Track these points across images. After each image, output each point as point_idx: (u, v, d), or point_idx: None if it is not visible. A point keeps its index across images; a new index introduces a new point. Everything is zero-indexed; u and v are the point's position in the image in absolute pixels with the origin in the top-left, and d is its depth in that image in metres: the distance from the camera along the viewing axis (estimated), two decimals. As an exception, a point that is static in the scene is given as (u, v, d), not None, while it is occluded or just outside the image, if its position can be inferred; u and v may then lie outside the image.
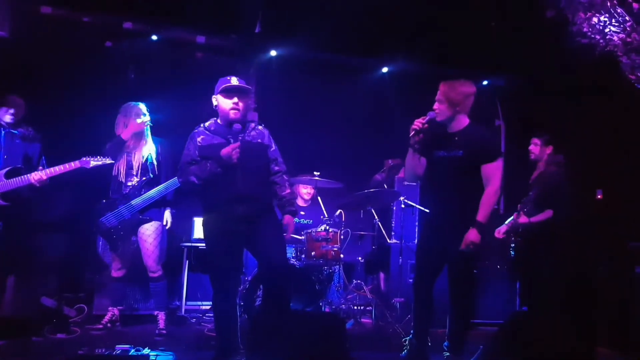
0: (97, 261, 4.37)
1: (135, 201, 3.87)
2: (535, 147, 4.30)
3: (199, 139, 3.11)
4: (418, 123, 3.13)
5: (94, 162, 3.72)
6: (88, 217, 4.47)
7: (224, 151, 2.99)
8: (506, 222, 4.39)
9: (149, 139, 4.03)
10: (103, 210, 3.90)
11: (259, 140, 3.19)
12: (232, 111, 3.08)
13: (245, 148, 3.03)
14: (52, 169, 3.68)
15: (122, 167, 3.93)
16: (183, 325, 4.40)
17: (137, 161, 3.94)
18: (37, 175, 3.63)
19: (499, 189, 3.11)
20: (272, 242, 3.09)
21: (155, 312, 4.04)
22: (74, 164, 3.69)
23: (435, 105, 3.18)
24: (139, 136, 3.98)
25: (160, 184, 3.94)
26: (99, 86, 4.86)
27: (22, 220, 3.76)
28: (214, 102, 3.17)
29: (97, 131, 4.73)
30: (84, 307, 4.22)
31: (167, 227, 4.03)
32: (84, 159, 3.70)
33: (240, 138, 3.05)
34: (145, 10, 4.94)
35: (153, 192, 3.89)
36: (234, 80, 3.09)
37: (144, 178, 3.94)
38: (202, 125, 3.19)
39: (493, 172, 3.09)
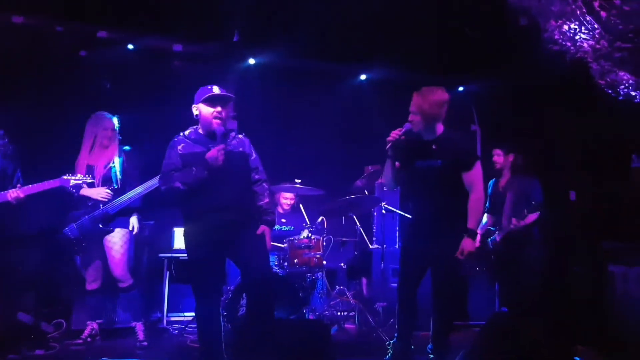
0: (76, 275, 4.28)
1: (98, 212, 3.79)
2: (498, 157, 4.47)
3: (179, 147, 3.08)
4: (394, 134, 3.17)
5: (74, 180, 3.66)
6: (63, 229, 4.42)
7: (210, 154, 2.97)
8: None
9: (115, 149, 3.95)
10: (67, 222, 3.83)
11: (240, 149, 3.18)
12: (215, 120, 3.07)
13: (227, 157, 3.02)
14: (30, 187, 3.60)
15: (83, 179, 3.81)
16: (165, 337, 4.33)
17: (98, 173, 3.86)
18: (15, 193, 3.56)
19: (483, 193, 3.19)
20: (255, 250, 3.08)
21: (133, 324, 3.96)
22: (53, 182, 3.63)
23: (411, 117, 3.22)
24: (104, 148, 3.91)
25: (125, 194, 3.86)
26: (75, 96, 4.78)
27: (-4, 235, 3.68)
28: (195, 112, 3.14)
29: (73, 142, 4.66)
30: (62, 322, 4.13)
31: (134, 233, 3.94)
32: (64, 177, 3.65)
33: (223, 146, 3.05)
34: (120, 18, 4.88)
35: (116, 201, 3.82)
36: (216, 89, 3.08)
37: (108, 189, 3.85)
38: (181, 134, 3.16)
39: (474, 179, 3.15)
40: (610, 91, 4.00)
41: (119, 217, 3.88)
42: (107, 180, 3.87)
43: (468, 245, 3.10)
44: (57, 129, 4.70)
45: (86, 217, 3.79)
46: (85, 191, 3.79)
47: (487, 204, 4.47)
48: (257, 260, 3.08)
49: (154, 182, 3.80)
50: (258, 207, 3.18)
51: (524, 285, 4.20)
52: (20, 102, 4.52)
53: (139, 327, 3.92)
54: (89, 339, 3.87)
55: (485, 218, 4.53)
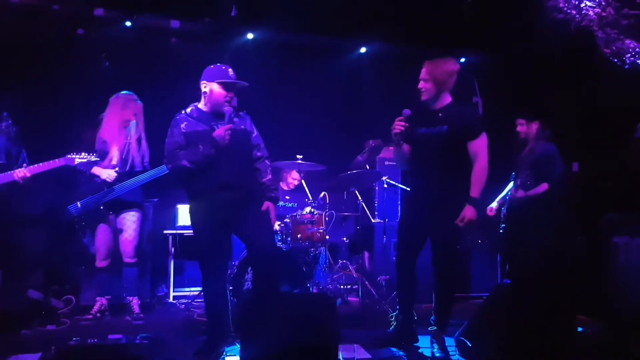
0: (83, 252, 4.34)
1: (104, 192, 3.83)
2: (522, 127, 4.32)
3: (182, 125, 3.09)
4: (398, 125, 3.16)
5: (78, 159, 3.69)
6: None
7: (217, 133, 2.99)
8: (497, 199, 4.48)
9: (133, 130, 3.97)
10: (76, 199, 3.87)
11: (242, 127, 3.19)
12: (225, 103, 3.08)
13: (231, 135, 3.03)
14: (35, 166, 3.63)
15: (101, 155, 3.87)
16: (172, 311, 4.42)
17: (115, 155, 3.89)
18: (21, 172, 3.60)
19: (487, 164, 3.17)
20: (259, 226, 3.12)
21: (130, 298, 4.06)
22: (58, 161, 3.65)
23: (421, 84, 3.22)
24: (123, 127, 3.94)
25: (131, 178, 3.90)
26: (73, 75, 4.78)
27: (4, 215, 3.72)
28: (204, 89, 3.11)
29: (73, 121, 4.67)
30: (71, 299, 4.20)
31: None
32: (69, 156, 3.67)
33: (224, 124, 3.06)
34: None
35: (128, 182, 3.86)
36: (231, 72, 3.10)
37: (115, 170, 3.87)
38: (183, 111, 3.16)
39: (479, 148, 3.15)
40: (615, 60, 3.94)
41: (135, 200, 3.95)
42: (124, 163, 3.90)
43: (469, 212, 3.10)
44: (57, 107, 4.70)
45: (90, 197, 3.84)
46: (96, 170, 3.84)
47: (513, 174, 4.41)
48: (262, 235, 3.12)
49: (157, 171, 3.85)
50: (261, 184, 3.21)
51: (524, 257, 4.21)
52: (19, 83, 4.52)
53: (134, 301, 4.04)
54: (98, 314, 3.96)
55: (508, 188, 4.47)
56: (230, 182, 3.05)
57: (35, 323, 3.68)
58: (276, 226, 4.63)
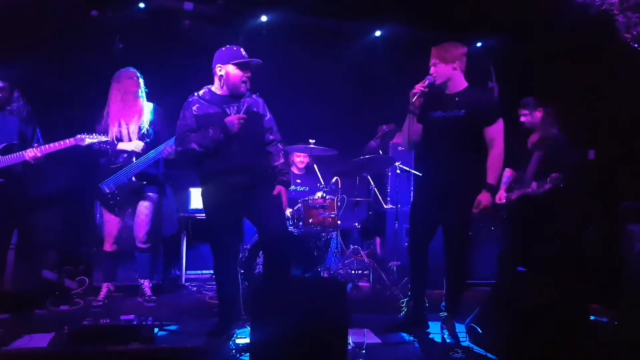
0: (96, 233, 4.39)
1: (131, 165, 3.84)
2: (525, 117, 4.20)
3: (194, 108, 3.08)
4: (419, 87, 3.11)
5: (89, 139, 3.70)
6: (85, 190, 4.49)
7: (229, 119, 2.99)
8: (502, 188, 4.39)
9: (144, 106, 3.96)
10: (103, 177, 3.88)
11: (255, 110, 3.17)
12: (243, 84, 3.08)
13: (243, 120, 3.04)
14: (46, 146, 3.66)
15: (116, 135, 3.86)
16: (184, 294, 4.46)
17: (133, 131, 3.88)
18: (32, 152, 3.61)
19: (503, 150, 3.12)
20: (271, 209, 3.11)
21: (141, 281, 4.08)
22: (68, 142, 3.67)
23: (432, 70, 3.17)
24: (132, 102, 3.90)
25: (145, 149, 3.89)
26: (87, 56, 4.77)
27: (18, 196, 3.74)
28: (220, 72, 3.09)
29: (87, 102, 4.67)
30: (85, 279, 4.25)
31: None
32: (79, 136, 3.68)
33: (236, 107, 3.07)
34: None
35: (150, 154, 3.85)
36: (244, 52, 3.09)
37: (147, 140, 3.88)
38: (195, 94, 3.15)
39: (495, 134, 3.11)
40: (636, 45, 3.83)
41: (153, 186, 3.96)
42: (141, 139, 3.89)
43: (485, 199, 3.07)
44: (70, 89, 4.71)
45: (120, 171, 3.84)
46: (123, 145, 3.84)
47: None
48: (273, 219, 3.11)
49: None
50: (273, 168, 3.20)
51: (543, 245, 4.13)
52: (33, 63, 4.51)
53: (145, 284, 4.06)
54: (106, 301, 3.93)
55: (507, 173, 4.35)
56: (241, 165, 3.05)
57: (49, 303, 3.72)
58: (287, 212, 4.64)
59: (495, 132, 3.11)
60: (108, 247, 3.98)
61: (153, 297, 4.00)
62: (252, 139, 3.12)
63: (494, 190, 3.10)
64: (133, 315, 3.13)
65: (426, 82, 3.13)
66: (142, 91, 3.96)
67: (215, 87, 3.15)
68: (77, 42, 4.82)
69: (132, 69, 3.97)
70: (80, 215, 4.60)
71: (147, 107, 3.97)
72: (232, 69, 3.06)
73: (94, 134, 3.72)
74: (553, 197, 3.99)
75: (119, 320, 3.01)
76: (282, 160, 3.23)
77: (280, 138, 3.27)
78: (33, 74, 4.28)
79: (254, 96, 3.22)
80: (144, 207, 3.95)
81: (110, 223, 3.94)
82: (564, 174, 3.90)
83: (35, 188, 4.10)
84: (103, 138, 3.74)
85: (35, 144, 3.72)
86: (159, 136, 3.94)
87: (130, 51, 5.00)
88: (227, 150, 3.02)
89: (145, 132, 3.90)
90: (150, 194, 3.97)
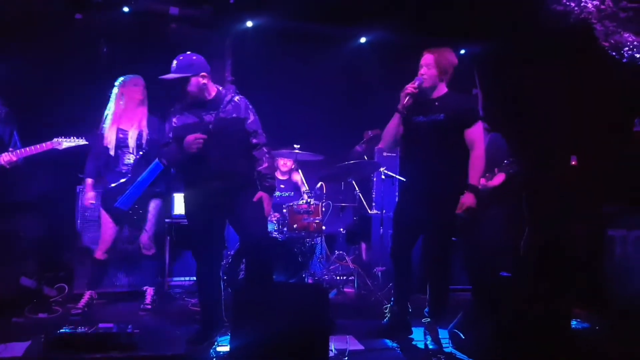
0: (76, 240, 4.32)
1: (143, 177, 3.78)
2: None
3: (174, 119, 3.10)
4: (410, 87, 3.13)
5: (66, 143, 3.66)
6: (64, 196, 4.43)
7: (187, 140, 2.96)
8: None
9: (145, 115, 3.89)
10: (114, 196, 3.77)
11: (234, 115, 3.12)
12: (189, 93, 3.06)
13: (221, 123, 3.02)
14: (22, 150, 3.60)
15: (113, 142, 3.78)
16: (167, 300, 4.40)
17: (132, 137, 3.80)
18: (7, 157, 3.55)
19: (484, 152, 3.15)
20: (252, 215, 3.09)
21: (145, 287, 4.01)
22: (45, 145, 3.62)
23: (423, 71, 3.19)
24: (135, 109, 3.85)
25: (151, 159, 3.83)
26: (70, 60, 4.72)
27: (-5, 200, 3.68)
28: (202, 80, 3.05)
29: (69, 106, 4.63)
30: (64, 287, 4.17)
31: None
32: (56, 140, 3.64)
33: (214, 115, 3.04)
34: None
35: (155, 164, 3.78)
36: (173, 64, 3.07)
37: (140, 153, 3.83)
38: (177, 104, 3.15)
39: (476, 136, 3.14)
40: (614, 53, 3.90)
41: (159, 184, 3.89)
42: (139, 147, 3.82)
43: (469, 200, 3.07)
44: (53, 92, 4.65)
45: (132, 187, 3.75)
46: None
47: None
48: (254, 225, 3.09)
49: None
50: (257, 172, 3.15)
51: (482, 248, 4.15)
52: (15, 66, 4.45)
53: (149, 291, 3.98)
54: (86, 308, 3.83)
55: None
56: (221, 170, 3.03)
57: (26, 310, 3.65)
58: (272, 217, 4.61)
59: (475, 134, 3.13)
60: (99, 254, 3.88)
61: (148, 307, 3.91)
62: (232, 144, 3.08)
63: (476, 191, 3.11)
64: (112, 324, 3.07)
65: (416, 83, 3.15)
66: (145, 100, 3.91)
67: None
68: (61, 45, 4.76)
69: (138, 77, 3.93)
70: (61, 220, 4.52)
71: (146, 117, 3.90)
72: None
73: (72, 137, 3.67)
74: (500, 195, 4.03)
75: (97, 328, 2.95)
76: (265, 165, 3.14)
77: (266, 141, 3.19)
78: (14, 75, 4.22)
79: (236, 98, 3.16)
80: (150, 210, 3.88)
81: (107, 231, 3.85)
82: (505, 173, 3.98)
83: (13, 191, 4.02)
84: (81, 142, 3.70)
85: (11, 148, 3.65)
86: (154, 146, 3.83)
87: (114, 55, 4.96)
88: (207, 156, 3.00)
89: (144, 141, 3.83)
90: (153, 199, 3.90)
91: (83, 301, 3.86)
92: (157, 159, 3.74)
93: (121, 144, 3.80)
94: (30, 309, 3.68)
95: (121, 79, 3.91)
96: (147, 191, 3.83)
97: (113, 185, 3.83)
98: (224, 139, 3.02)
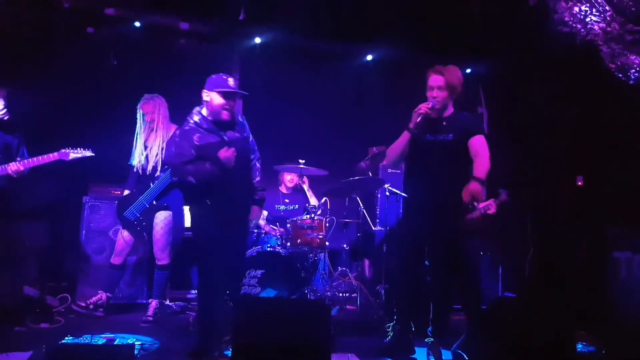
0: (80, 251, 4.34)
1: (151, 189, 3.93)
2: None
3: (195, 137, 3.09)
4: (424, 108, 3.14)
5: (73, 154, 3.71)
6: (69, 206, 4.46)
7: (223, 154, 3.03)
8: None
9: (161, 130, 3.98)
10: (125, 204, 3.98)
11: (245, 135, 3.28)
12: (224, 111, 3.13)
13: (238, 144, 3.16)
14: (29, 160, 3.64)
15: (137, 160, 3.98)
16: (167, 314, 4.38)
17: (153, 156, 3.94)
18: (15, 166, 3.59)
19: (489, 159, 3.12)
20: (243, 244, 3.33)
21: (150, 300, 4.04)
22: (52, 156, 3.67)
23: (435, 93, 3.19)
24: (155, 126, 3.97)
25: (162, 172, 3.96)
26: (81, 73, 4.78)
27: (1, 209, 3.69)
28: (205, 97, 3.14)
29: (79, 119, 4.68)
30: (67, 297, 4.17)
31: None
32: (63, 150, 3.70)
33: (231, 136, 3.16)
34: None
35: (164, 177, 3.90)
36: (231, 82, 3.15)
37: (156, 166, 3.95)
38: (191, 121, 3.15)
39: (480, 145, 3.14)
40: (620, 75, 3.92)
41: (170, 195, 3.98)
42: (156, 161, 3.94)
43: (473, 186, 2.99)
44: (64, 105, 4.71)
45: (140, 197, 3.95)
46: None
47: None
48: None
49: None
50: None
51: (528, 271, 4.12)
52: (27, 79, 4.53)
53: (153, 303, 3.99)
54: (91, 306, 3.90)
55: None
56: (243, 186, 3.23)
57: (28, 320, 3.65)
58: (276, 232, 4.62)
59: (479, 143, 3.14)
60: (113, 259, 4.04)
61: (150, 319, 3.91)
62: (247, 162, 3.29)
63: (482, 182, 3.04)
64: (114, 335, 3.08)
65: (430, 105, 3.16)
66: (162, 116, 3.99)
67: (204, 111, 3.19)
68: (72, 58, 4.83)
69: (156, 96, 4.03)
70: (66, 231, 4.54)
71: (163, 133, 3.98)
72: (215, 96, 3.11)
73: (79, 149, 3.74)
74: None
75: (98, 339, 2.95)
76: (258, 178, 3.37)
77: (259, 156, 3.40)
78: (25, 87, 4.28)
79: (239, 118, 3.29)
80: (156, 224, 3.97)
81: (122, 242, 4.02)
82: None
83: (19, 201, 4.05)
84: (87, 153, 3.78)
85: (19, 158, 3.69)
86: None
87: (125, 68, 5.03)
88: (231, 173, 3.09)
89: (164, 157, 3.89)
90: (161, 211, 3.98)
91: (92, 299, 3.94)
92: (166, 172, 3.82)
93: (146, 160, 3.96)
94: (33, 318, 3.67)
95: (148, 97, 4.03)
96: (154, 203, 3.95)
97: (124, 195, 4.06)
98: (240, 156, 3.14)
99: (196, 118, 3.15)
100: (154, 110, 3.97)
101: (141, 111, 3.99)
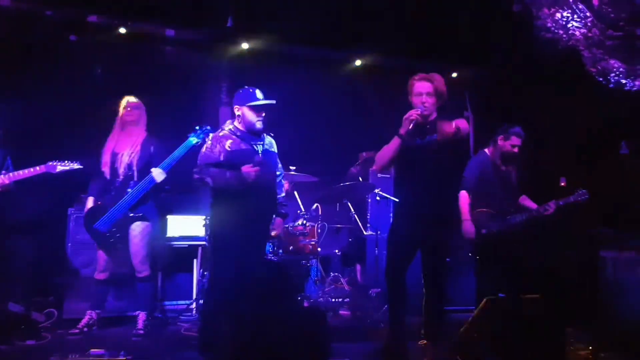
0: (66, 264, 4.24)
1: (124, 199, 3.71)
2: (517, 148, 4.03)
3: (227, 143, 3.25)
4: (415, 114, 3.17)
5: (60, 167, 3.63)
6: (55, 219, 4.36)
7: (247, 170, 3.17)
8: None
9: (140, 137, 3.86)
10: (95, 216, 3.73)
11: (273, 150, 3.45)
12: (258, 123, 3.32)
13: (266, 156, 3.34)
14: (15, 173, 3.56)
15: (107, 165, 3.79)
16: (159, 325, 4.31)
17: (124, 160, 3.78)
18: (0, 180, 3.50)
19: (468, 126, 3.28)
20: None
21: (137, 312, 3.88)
22: (39, 168, 3.59)
23: (424, 99, 3.24)
24: (129, 131, 3.84)
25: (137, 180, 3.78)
26: (64, 82, 4.70)
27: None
28: (237, 112, 3.34)
29: (63, 129, 4.60)
30: (53, 312, 4.03)
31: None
32: (50, 163, 3.61)
33: (262, 145, 3.37)
34: (111, 2, 4.78)
35: (140, 185, 3.73)
36: (259, 94, 3.34)
37: (129, 174, 3.78)
38: (225, 128, 3.35)
39: (461, 121, 3.25)
40: (601, 79, 4.03)
41: (143, 206, 3.78)
42: (128, 168, 3.76)
43: (462, 123, 3.19)
44: (47, 115, 4.61)
45: (114, 207, 3.70)
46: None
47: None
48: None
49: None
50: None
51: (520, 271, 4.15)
52: (8, 89, 4.43)
53: (141, 316, 3.85)
54: (85, 329, 3.77)
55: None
56: (266, 197, 3.34)
57: (14, 337, 3.51)
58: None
59: (460, 120, 3.25)
60: (97, 275, 3.86)
61: (141, 332, 3.78)
62: (271, 180, 3.43)
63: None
64: (103, 350, 3.00)
65: (419, 111, 3.20)
66: (140, 121, 3.89)
67: (237, 123, 3.37)
68: (55, 66, 4.75)
69: (132, 99, 3.90)
70: (51, 244, 4.44)
71: (143, 139, 3.86)
72: (247, 111, 3.31)
73: (66, 161, 3.66)
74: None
75: (88, 356, 2.87)
76: (284, 194, 3.57)
77: (284, 172, 3.63)
78: (9, 98, 4.20)
79: (269, 136, 3.47)
80: (134, 236, 3.77)
81: (103, 256, 3.84)
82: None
83: (4, 215, 3.94)
84: (75, 166, 3.68)
85: (4, 171, 3.60)
86: (152, 165, 3.77)
87: (109, 77, 4.96)
88: (255, 184, 3.21)
89: (135, 164, 3.77)
90: (138, 222, 3.77)
91: (83, 322, 3.78)
92: (142, 181, 3.71)
93: (115, 166, 3.78)
94: (18, 335, 3.53)
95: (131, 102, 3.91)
96: (129, 214, 3.74)
97: (92, 206, 3.80)
98: (267, 168, 3.29)
99: (230, 126, 3.35)
100: (139, 119, 3.88)
101: (126, 112, 3.83)
